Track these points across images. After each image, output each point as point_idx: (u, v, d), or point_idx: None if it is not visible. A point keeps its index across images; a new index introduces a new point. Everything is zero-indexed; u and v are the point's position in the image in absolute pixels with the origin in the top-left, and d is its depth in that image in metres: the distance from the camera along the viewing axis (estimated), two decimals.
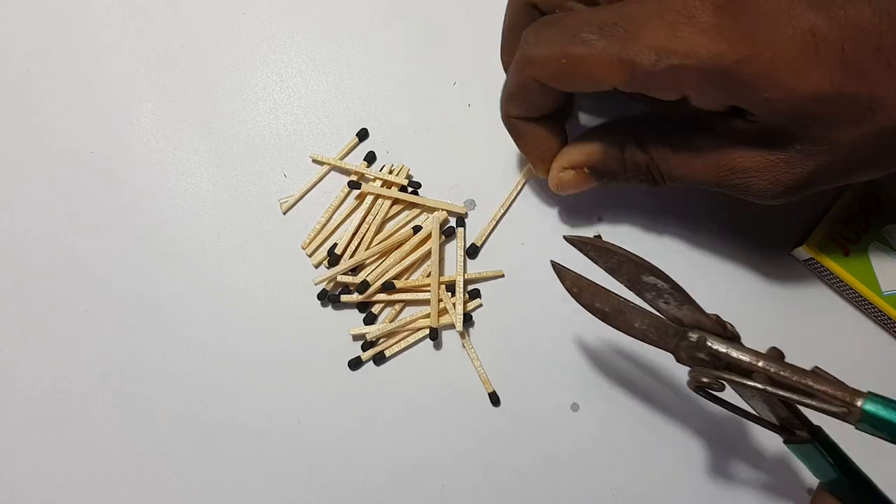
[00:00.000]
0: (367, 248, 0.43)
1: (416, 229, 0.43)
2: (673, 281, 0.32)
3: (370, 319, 0.43)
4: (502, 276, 0.43)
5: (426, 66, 0.45)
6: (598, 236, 0.38)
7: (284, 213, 0.44)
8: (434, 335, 0.42)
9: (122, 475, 0.42)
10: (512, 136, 0.39)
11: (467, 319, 0.43)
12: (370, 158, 0.44)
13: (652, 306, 0.33)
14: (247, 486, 0.42)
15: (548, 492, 0.42)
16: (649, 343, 0.34)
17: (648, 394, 0.42)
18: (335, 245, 0.43)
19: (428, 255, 0.43)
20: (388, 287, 0.42)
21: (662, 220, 0.43)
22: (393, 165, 0.44)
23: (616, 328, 0.35)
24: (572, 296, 0.35)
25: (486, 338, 0.43)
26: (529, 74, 0.34)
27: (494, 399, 0.42)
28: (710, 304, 0.42)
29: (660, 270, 0.32)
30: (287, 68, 0.45)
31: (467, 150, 0.44)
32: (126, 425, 0.43)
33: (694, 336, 0.32)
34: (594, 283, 0.35)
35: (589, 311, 0.35)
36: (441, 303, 0.42)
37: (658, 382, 0.42)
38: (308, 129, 0.45)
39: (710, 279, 0.43)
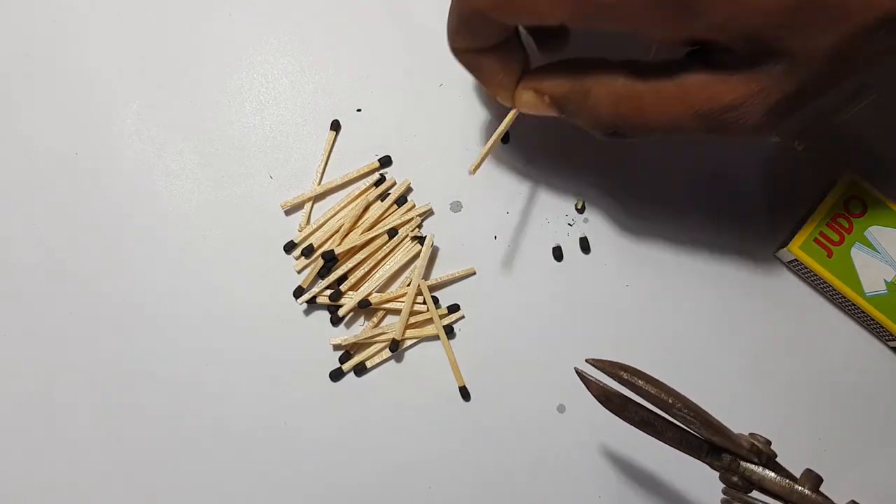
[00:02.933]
0: (347, 249, 0.43)
1: (392, 233, 0.43)
2: (704, 415, 0.31)
3: (336, 321, 0.43)
4: (474, 273, 0.43)
5: (413, 68, 0.45)
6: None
7: (287, 214, 0.44)
8: (395, 347, 0.42)
9: (107, 477, 0.42)
10: (466, 68, 0.37)
11: (449, 331, 0.43)
12: (385, 162, 0.44)
13: (683, 424, 0.32)
14: (233, 487, 0.42)
15: (534, 493, 0.42)
16: (683, 452, 0.33)
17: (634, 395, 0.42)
18: (310, 246, 0.43)
19: (405, 266, 0.43)
20: (364, 305, 0.42)
21: (645, 221, 0.43)
22: (394, 179, 0.44)
23: (648, 434, 0.34)
24: (600, 403, 0.34)
25: (470, 340, 0.43)
26: (469, 6, 0.32)
27: (465, 394, 0.42)
28: (693, 305, 0.43)
29: (689, 405, 0.31)
30: (273, 69, 0.45)
31: (453, 151, 0.44)
32: (111, 427, 0.42)
33: (727, 458, 0.32)
34: (622, 394, 0.33)
35: (619, 417, 0.34)
36: (424, 313, 0.42)
37: None
38: (294, 130, 0.45)
39: (694, 280, 0.43)
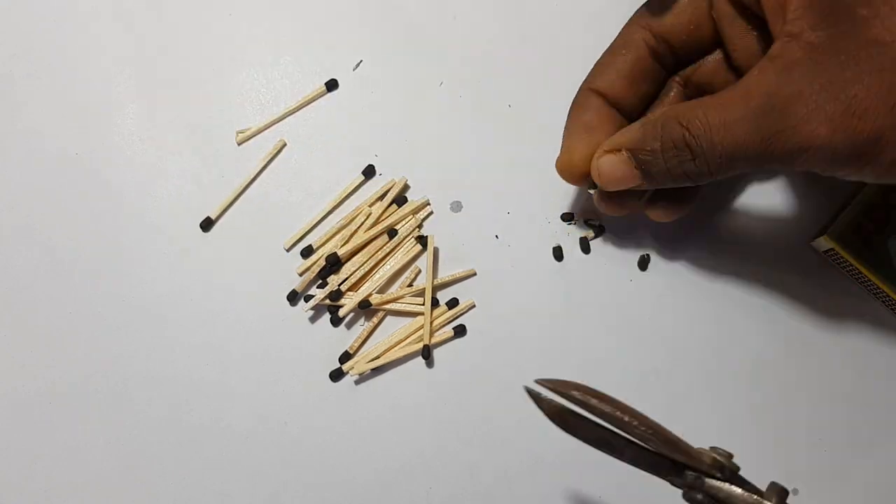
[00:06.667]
0: (347, 252, 0.43)
1: (392, 233, 0.43)
2: (664, 432, 0.31)
3: (337, 321, 0.43)
4: (474, 274, 0.43)
5: (413, 68, 0.45)
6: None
7: (240, 144, 0.44)
8: (427, 353, 0.42)
9: (107, 477, 0.42)
10: (573, 107, 0.38)
11: (461, 332, 0.43)
12: (368, 173, 0.44)
13: (641, 442, 0.31)
14: (233, 487, 0.42)
15: (534, 494, 0.42)
16: (643, 470, 0.32)
17: (634, 395, 0.42)
18: (310, 247, 0.43)
19: (405, 266, 0.43)
20: (364, 306, 0.42)
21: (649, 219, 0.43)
22: (393, 179, 0.44)
23: (606, 454, 0.32)
24: (554, 423, 0.33)
25: (470, 340, 0.43)
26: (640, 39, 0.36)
27: (426, 353, 0.42)
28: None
29: (646, 423, 0.30)
30: (273, 70, 0.45)
31: (454, 151, 0.44)
32: (111, 427, 0.42)
33: (691, 475, 0.31)
34: (576, 412, 0.32)
35: (576, 437, 0.33)
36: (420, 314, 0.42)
37: (644, 384, 0.42)
38: (294, 130, 0.45)
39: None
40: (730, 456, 0.31)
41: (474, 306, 0.43)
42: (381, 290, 0.43)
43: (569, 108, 0.38)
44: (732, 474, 0.31)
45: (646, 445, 0.31)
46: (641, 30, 0.37)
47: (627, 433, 0.31)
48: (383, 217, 0.43)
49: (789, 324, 0.43)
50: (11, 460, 0.42)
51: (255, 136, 0.44)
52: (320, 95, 0.45)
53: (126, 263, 0.43)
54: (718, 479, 0.30)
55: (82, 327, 0.43)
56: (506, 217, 0.44)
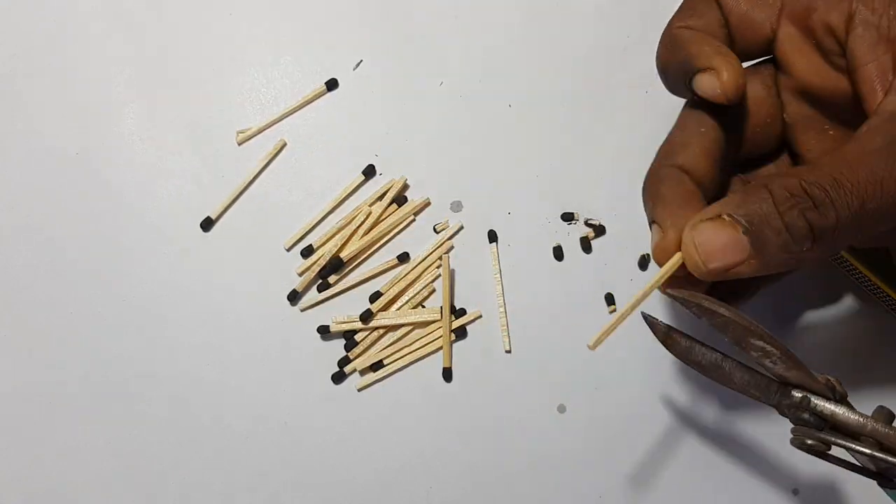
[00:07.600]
0: (349, 252, 0.43)
1: (403, 258, 0.43)
2: (783, 347, 0.30)
3: (324, 329, 0.43)
4: (479, 316, 0.43)
5: (413, 68, 0.45)
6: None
7: (240, 144, 0.44)
8: (448, 376, 0.42)
9: (107, 477, 0.42)
10: (657, 182, 0.32)
11: (462, 335, 0.43)
12: (368, 173, 0.44)
13: (757, 363, 0.31)
14: (233, 487, 0.42)
15: (534, 494, 0.42)
16: (749, 396, 0.32)
17: (635, 395, 0.42)
18: (310, 246, 0.43)
19: (412, 283, 0.43)
20: (365, 317, 0.42)
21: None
22: (393, 179, 0.44)
23: (713, 380, 0.32)
24: (665, 347, 0.33)
25: (471, 340, 0.43)
26: None
27: (447, 374, 0.42)
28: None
29: (770, 335, 0.30)
30: (273, 70, 0.45)
31: (454, 151, 0.44)
32: (111, 427, 0.42)
33: (798, 395, 0.31)
34: (688, 335, 0.32)
35: (683, 362, 0.33)
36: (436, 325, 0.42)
37: (645, 384, 0.42)
38: (294, 130, 0.45)
39: None
40: (840, 383, 0.31)
41: (480, 316, 0.43)
42: (388, 307, 0.43)
43: (645, 185, 0.33)
44: (842, 398, 0.30)
45: (760, 366, 0.31)
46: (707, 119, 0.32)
47: (745, 349, 0.31)
48: (383, 216, 0.43)
49: (789, 323, 0.43)
50: (11, 460, 0.42)
51: (255, 135, 0.44)
52: (320, 95, 0.45)
53: (126, 263, 0.43)
54: (829, 399, 0.30)
55: (82, 327, 0.43)
56: (506, 217, 0.44)
